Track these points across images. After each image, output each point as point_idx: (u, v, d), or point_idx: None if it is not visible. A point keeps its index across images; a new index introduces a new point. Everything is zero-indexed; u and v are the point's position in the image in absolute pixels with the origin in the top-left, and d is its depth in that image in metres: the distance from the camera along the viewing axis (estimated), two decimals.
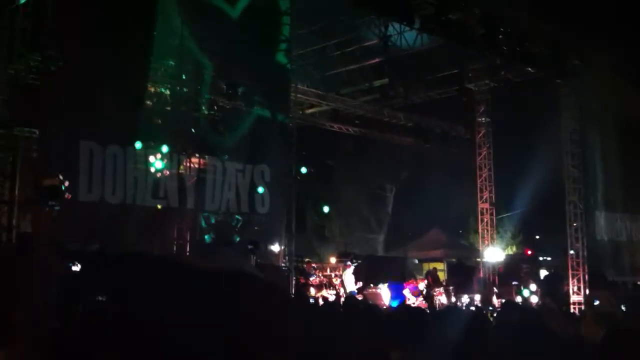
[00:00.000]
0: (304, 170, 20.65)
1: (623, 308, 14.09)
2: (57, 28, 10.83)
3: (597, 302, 15.28)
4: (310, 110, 21.44)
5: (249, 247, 12.49)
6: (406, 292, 16.20)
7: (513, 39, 16.37)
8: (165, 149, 12.88)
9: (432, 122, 23.38)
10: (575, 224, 18.52)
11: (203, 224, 13.96)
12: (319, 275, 17.85)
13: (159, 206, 12.75)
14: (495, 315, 10.91)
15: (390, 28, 16.52)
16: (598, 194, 18.98)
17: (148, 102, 13.67)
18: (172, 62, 14.02)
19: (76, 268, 8.08)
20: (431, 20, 15.04)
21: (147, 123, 12.88)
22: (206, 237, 13.97)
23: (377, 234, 29.82)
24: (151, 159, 12.66)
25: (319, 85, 20.17)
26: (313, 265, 18.23)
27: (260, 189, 14.17)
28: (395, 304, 15.03)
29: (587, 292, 18.11)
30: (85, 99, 10.97)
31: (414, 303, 15.01)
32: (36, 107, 10.95)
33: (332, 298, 16.15)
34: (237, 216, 13.73)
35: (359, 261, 18.30)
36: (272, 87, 14.98)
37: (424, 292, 16.65)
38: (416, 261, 23.37)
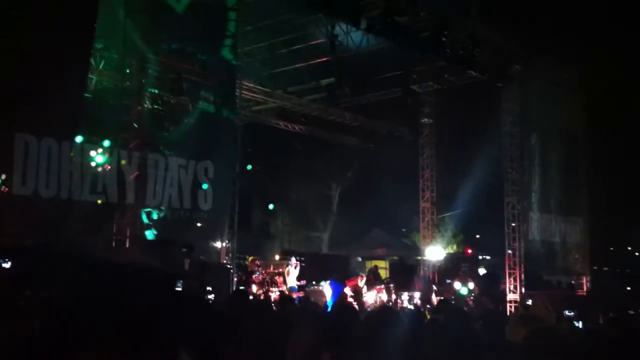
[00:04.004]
0: (249, 167, 20.59)
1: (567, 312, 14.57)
2: None
3: (529, 303, 15.80)
4: (257, 108, 21.38)
5: (183, 250, 12.22)
6: (347, 290, 16.37)
7: (457, 43, 16.69)
8: (106, 143, 12.63)
9: (377, 122, 23.69)
10: (512, 224, 19.09)
11: (145, 220, 13.71)
12: (262, 273, 17.82)
13: (99, 201, 12.48)
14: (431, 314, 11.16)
15: (337, 28, 16.63)
16: (534, 196, 19.59)
17: (90, 95, 13.38)
18: (115, 55, 13.78)
19: (6, 265, 7.86)
20: (377, 21, 15.20)
21: (89, 116, 12.57)
22: (147, 233, 13.74)
23: (322, 232, 29.99)
24: (92, 153, 12.37)
25: (266, 82, 20.12)
26: (257, 262, 18.18)
27: (204, 186, 14.05)
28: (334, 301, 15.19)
29: (523, 290, 18.70)
30: (21, 91, 10.65)
31: (354, 300, 15.18)
32: None
33: (274, 295, 16.16)
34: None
35: (302, 259, 18.38)
36: (217, 82, 14.86)
37: (360, 291, 16.87)
38: (359, 259, 23.63)
